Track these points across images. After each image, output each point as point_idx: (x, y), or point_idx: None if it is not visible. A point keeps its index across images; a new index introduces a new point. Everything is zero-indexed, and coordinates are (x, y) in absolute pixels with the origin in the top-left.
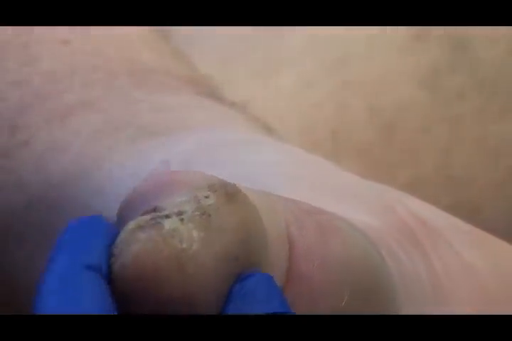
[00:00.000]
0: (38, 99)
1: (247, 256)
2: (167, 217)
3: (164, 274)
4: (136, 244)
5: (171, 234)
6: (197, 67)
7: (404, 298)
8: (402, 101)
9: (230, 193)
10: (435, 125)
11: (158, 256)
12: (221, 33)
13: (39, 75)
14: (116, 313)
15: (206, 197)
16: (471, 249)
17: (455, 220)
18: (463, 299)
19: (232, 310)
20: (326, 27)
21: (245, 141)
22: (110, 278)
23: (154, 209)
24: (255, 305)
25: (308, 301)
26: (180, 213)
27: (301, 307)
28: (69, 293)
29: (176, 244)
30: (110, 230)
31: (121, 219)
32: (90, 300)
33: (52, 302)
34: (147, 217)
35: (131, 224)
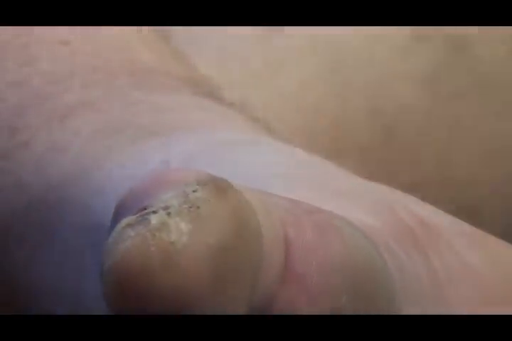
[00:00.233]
0: (38, 100)
1: (242, 245)
2: (154, 212)
3: (154, 268)
4: (125, 242)
5: (159, 228)
6: (196, 68)
7: (404, 298)
8: (403, 102)
9: (220, 187)
10: (436, 126)
11: (147, 251)
12: (221, 33)
13: (39, 76)
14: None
15: (194, 191)
16: (471, 249)
17: (455, 220)
18: (463, 299)
19: None
20: (326, 27)
21: (245, 141)
22: (101, 279)
23: (145, 208)
24: None
25: (307, 302)
26: (167, 207)
27: (299, 307)
28: None
29: (164, 237)
30: None
31: (116, 219)
32: None
33: None
34: (136, 215)
35: (120, 224)
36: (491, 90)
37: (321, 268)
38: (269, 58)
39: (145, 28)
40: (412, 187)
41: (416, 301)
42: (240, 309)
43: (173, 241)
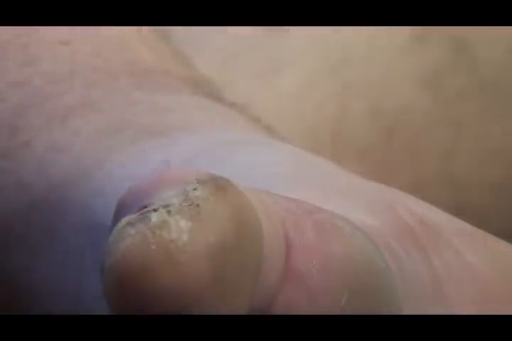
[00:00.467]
0: (38, 100)
1: (243, 243)
2: (154, 210)
3: (155, 266)
4: (125, 240)
5: (159, 226)
6: (197, 68)
7: (404, 297)
8: (404, 102)
9: (220, 185)
10: (436, 126)
11: (148, 249)
12: (221, 33)
13: (39, 76)
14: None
15: (195, 189)
16: (470, 248)
17: (456, 220)
18: (463, 299)
19: None
20: (326, 27)
21: (246, 141)
22: (101, 278)
23: (145, 207)
24: None
25: (307, 302)
26: (167, 206)
27: (300, 307)
28: None
29: (165, 235)
30: None
31: (117, 218)
32: None
33: None
34: (136, 213)
35: (121, 222)
36: (491, 90)
37: (321, 268)
38: (269, 58)
39: (145, 28)
40: (412, 187)
41: (416, 300)
42: (240, 308)
43: (173, 239)
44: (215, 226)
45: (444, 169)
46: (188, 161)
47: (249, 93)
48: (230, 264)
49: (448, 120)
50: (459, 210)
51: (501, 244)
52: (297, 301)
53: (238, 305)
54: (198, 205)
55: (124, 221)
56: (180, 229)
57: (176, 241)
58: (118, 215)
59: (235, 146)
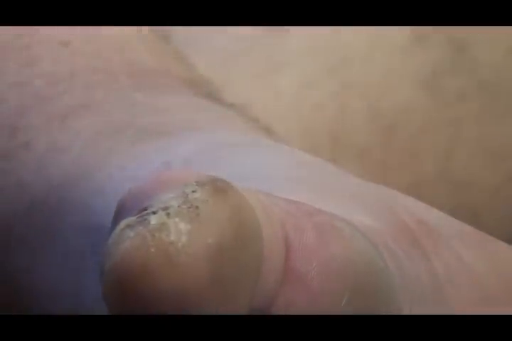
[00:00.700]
0: (39, 100)
1: (242, 245)
2: (154, 213)
3: (154, 269)
4: (125, 242)
5: (158, 228)
6: (196, 68)
7: (404, 298)
8: (403, 103)
9: (219, 187)
10: (436, 126)
11: (147, 251)
12: (221, 33)
13: (39, 76)
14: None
15: (194, 191)
16: (471, 250)
17: (455, 221)
18: (462, 299)
19: None
20: (326, 27)
21: (245, 142)
22: (101, 280)
23: (145, 209)
24: None
25: (307, 303)
26: (166, 208)
27: (300, 309)
28: None
29: (164, 237)
30: None
31: (116, 221)
32: None
33: None
34: (135, 216)
35: (120, 225)
36: (490, 91)
37: (321, 270)
38: (269, 59)
39: (145, 28)
40: (411, 188)
41: (416, 301)
42: (240, 310)
43: (172, 242)
44: (214, 227)
45: (443, 169)
46: (188, 162)
47: (248, 93)
48: (229, 266)
49: (447, 120)
50: (458, 210)
51: (500, 245)
52: (297, 302)
53: (238, 307)
54: (197, 207)
55: (123, 223)
56: (179, 231)
57: (175, 243)
58: (118, 217)
59: (235, 147)
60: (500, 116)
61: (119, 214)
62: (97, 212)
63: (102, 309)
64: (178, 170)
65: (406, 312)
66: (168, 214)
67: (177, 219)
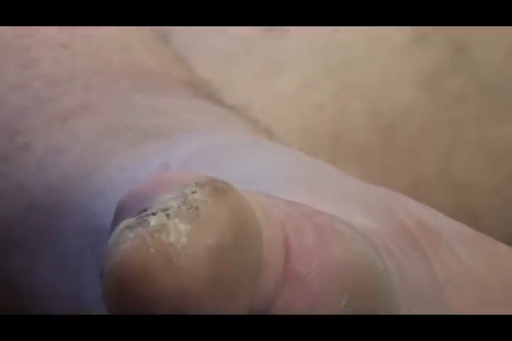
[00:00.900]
0: (38, 102)
1: (242, 246)
2: (153, 214)
3: (154, 270)
4: (124, 244)
5: (158, 229)
6: (196, 69)
7: (404, 299)
8: (403, 104)
9: (218, 188)
10: (435, 128)
11: (147, 253)
12: (221, 33)
13: (39, 78)
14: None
15: (193, 192)
16: (470, 251)
17: (455, 223)
18: (462, 301)
19: None
20: (326, 27)
21: (245, 143)
22: (101, 281)
23: (145, 210)
24: None
25: (307, 304)
26: (166, 209)
27: (300, 310)
28: None
29: (163, 239)
30: None
31: (116, 222)
32: None
33: None
34: (135, 217)
35: (119, 226)
36: (490, 92)
37: (321, 271)
38: (268, 60)
39: (145, 29)
40: (410, 188)
41: (416, 302)
42: (240, 311)
43: (171, 243)
44: (214, 228)
45: (443, 170)
46: (187, 164)
47: (248, 93)
48: (229, 267)
49: (447, 121)
50: (457, 211)
51: (500, 246)
52: (297, 304)
53: (238, 308)
54: (196, 208)
55: (122, 224)
56: (178, 232)
57: (174, 244)
58: (117, 218)
59: (234, 149)
60: (500, 117)
61: (119, 215)
62: (97, 213)
63: (101, 310)
64: (177, 172)
65: (405, 313)
66: (167, 215)
67: (176, 220)
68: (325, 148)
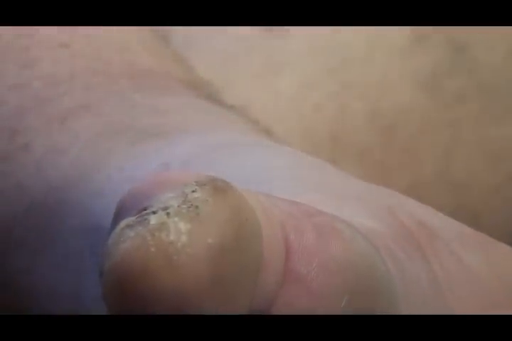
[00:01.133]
0: (38, 102)
1: (242, 245)
2: (154, 213)
3: (154, 268)
4: (124, 242)
5: (158, 228)
6: (196, 69)
7: (404, 300)
8: (403, 104)
9: (218, 187)
10: (435, 128)
11: (147, 251)
12: (220, 34)
13: (39, 78)
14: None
15: (193, 191)
16: (470, 251)
17: (455, 223)
18: (462, 302)
19: None
20: (326, 27)
21: (245, 143)
22: (101, 280)
23: (145, 209)
24: None
25: (307, 304)
26: (166, 208)
27: (300, 309)
28: None
29: (164, 237)
30: None
31: (116, 221)
32: None
33: None
34: (135, 216)
35: (119, 225)
36: (490, 92)
37: (321, 271)
38: (268, 60)
39: (145, 29)
40: (410, 188)
41: (416, 303)
42: (240, 310)
43: (172, 241)
44: (214, 227)
45: (443, 170)
46: (187, 163)
47: (248, 93)
48: (229, 266)
49: (447, 121)
50: (457, 211)
51: (500, 246)
52: (297, 304)
53: (238, 307)
54: (196, 207)
55: (123, 223)
56: (179, 230)
57: (174, 243)
58: (117, 217)
59: (234, 148)
60: (500, 117)
61: (119, 214)
62: (96, 213)
63: (101, 309)
64: (177, 171)
65: (405, 313)
66: (167, 214)
67: (177, 219)
68: (325, 148)
